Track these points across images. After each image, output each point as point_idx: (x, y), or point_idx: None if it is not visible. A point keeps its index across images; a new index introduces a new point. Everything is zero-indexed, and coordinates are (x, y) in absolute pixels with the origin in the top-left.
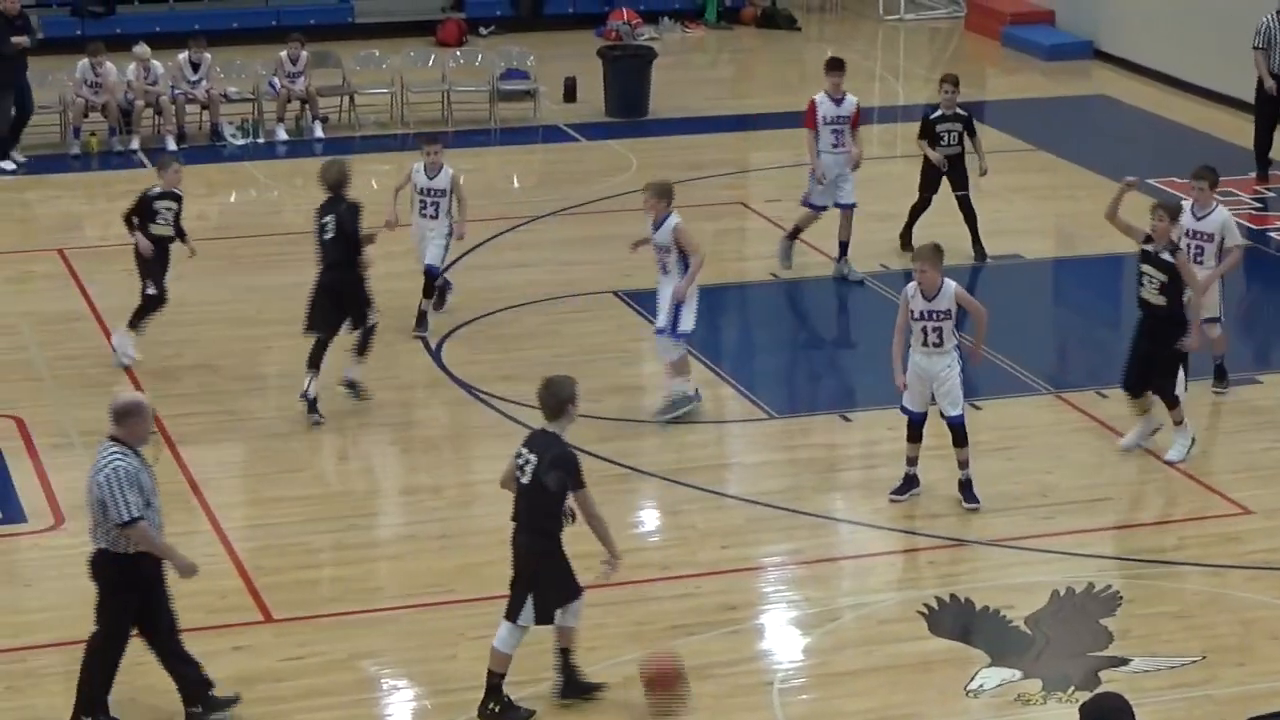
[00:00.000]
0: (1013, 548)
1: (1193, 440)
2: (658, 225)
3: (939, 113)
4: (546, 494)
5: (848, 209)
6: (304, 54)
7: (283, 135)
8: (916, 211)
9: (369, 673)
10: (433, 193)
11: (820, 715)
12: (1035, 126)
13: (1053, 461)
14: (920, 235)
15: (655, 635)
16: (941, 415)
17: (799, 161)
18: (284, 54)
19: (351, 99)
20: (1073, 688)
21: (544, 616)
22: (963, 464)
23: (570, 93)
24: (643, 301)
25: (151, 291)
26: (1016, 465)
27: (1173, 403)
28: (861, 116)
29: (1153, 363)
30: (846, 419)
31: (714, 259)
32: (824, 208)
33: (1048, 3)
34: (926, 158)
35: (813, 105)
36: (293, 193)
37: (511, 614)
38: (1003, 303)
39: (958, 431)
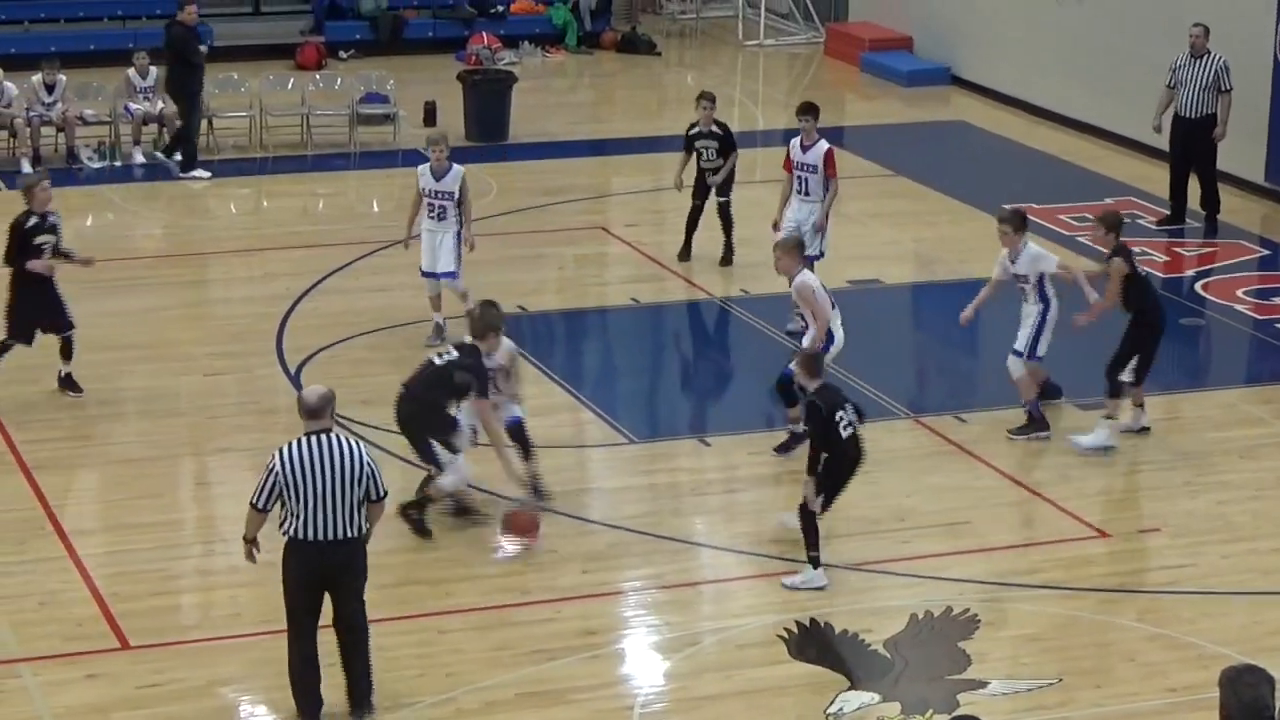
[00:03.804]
0: (872, 571)
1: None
2: (806, 148)
3: (697, 129)
4: (450, 384)
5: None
6: (153, 69)
7: (140, 158)
8: (692, 220)
9: (227, 699)
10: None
11: None
12: (894, 152)
13: (911, 485)
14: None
15: (515, 660)
16: None
17: (658, 186)
18: (131, 71)
19: (210, 122)
20: (931, 711)
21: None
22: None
23: (430, 117)
24: None
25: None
26: (875, 489)
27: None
28: (828, 163)
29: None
30: (706, 443)
31: (574, 283)
32: (815, 256)
33: (906, 30)
34: (698, 168)
35: (788, 149)
36: (150, 216)
37: None
38: (862, 327)
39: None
